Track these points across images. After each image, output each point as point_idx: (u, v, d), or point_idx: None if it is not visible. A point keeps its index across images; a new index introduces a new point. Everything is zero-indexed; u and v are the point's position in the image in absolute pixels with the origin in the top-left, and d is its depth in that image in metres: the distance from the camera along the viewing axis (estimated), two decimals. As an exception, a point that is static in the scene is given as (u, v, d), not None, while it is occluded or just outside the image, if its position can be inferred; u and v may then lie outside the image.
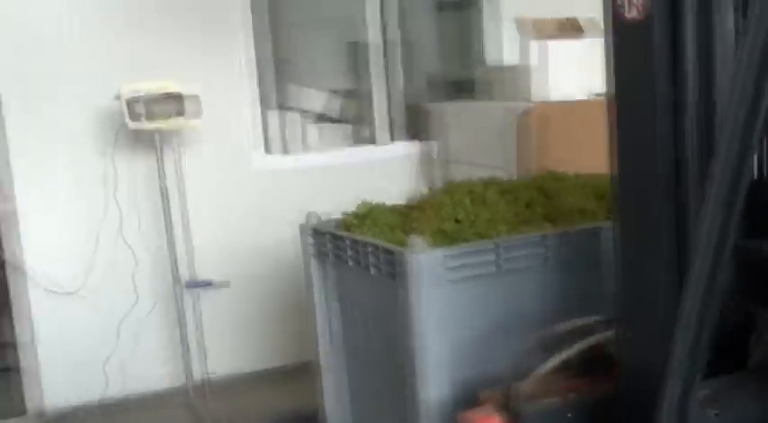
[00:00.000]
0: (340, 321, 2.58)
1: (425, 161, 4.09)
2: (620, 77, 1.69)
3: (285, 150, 4.18)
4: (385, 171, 3.84)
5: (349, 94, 4.39)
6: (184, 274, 3.60)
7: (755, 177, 1.63)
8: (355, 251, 2.36)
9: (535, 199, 2.51)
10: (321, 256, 2.53)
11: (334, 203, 2.63)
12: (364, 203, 2.57)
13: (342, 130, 4.27)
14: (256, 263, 3.51)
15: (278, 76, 4.21)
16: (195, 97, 3.58)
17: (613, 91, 1.68)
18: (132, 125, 3.46)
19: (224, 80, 3.88)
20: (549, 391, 1.94)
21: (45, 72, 3.53)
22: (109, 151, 3.68)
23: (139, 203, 3.70)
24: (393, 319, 2.19)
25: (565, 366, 1.97)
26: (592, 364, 1.97)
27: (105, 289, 3.72)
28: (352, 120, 4.28)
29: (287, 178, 3.71)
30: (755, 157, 1.63)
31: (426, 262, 2.16)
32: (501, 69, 3.72)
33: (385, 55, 4.07)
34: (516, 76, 3.44)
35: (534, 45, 3.40)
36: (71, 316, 3.71)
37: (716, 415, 1.53)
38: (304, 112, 4.25)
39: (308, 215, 2.62)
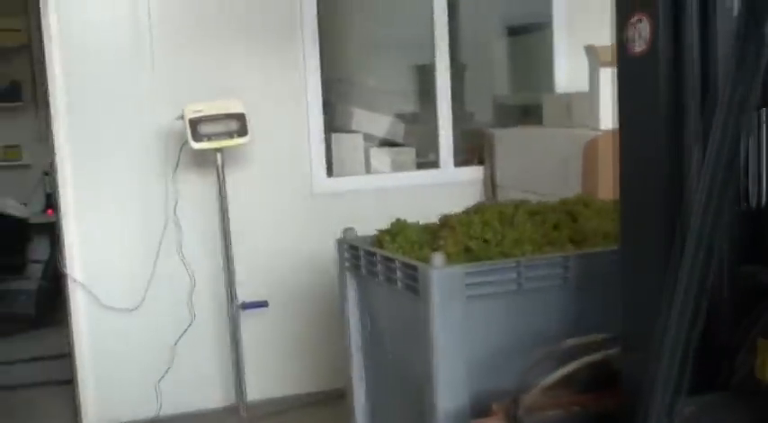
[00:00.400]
0: (370, 335, 2.77)
1: (489, 187, 4.29)
2: (626, 106, 1.94)
3: (347, 173, 4.39)
4: (448, 196, 3.98)
5: (413, 119, 4.57)
6: (240, 294, 3.92)
7: (754, 205, 1.85)
8: (385, 266, 2.55)
9: (562, 221, 2.66)
10: (355, 270, 2.70)
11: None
12: (398, 221, 2.77)
13: (405, 155, 4.44)
14: (315, 284, 3.83)
15: (343, 98, 4.42)
16: (258, 118, 3.83)
17: (619, 120, 1.91)
18: (195, 145, 3.72)
19: (288, 101, 4.13)
20: (555, 403, 2.16)
21: (109, 88, 3.91)
22: (170, 170, 3.92)
23: (198, 222, 3.95)
24: (415, 333, 2.40)
25: (574, 382, 2.17)
26: (599, 381, 2.17)
27: (162, 307, 4.00)
28: (416, 144, 4.47)
29: (348, 201, 3.90)
30: (755, 186, 1.85)
31: (446, 277, 2.34)
32: (569, 96, 3.87)
33: (452, 78, 4.26)
34: (584, 104, 3.59)
35: (604, 73, 3.57)
36: (128, 332, 4.01)
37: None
38: (367, 136, 4.45)
39: (346, 231, 2.81)
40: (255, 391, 3.95)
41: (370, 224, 2.83)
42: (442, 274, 2.34)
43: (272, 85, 4.03)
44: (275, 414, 3.94)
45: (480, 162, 4.36)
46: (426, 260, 2.35)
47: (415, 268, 2.39)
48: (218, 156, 3.67)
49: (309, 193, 4.15)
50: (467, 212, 2.72)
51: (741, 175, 1.77)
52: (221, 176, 3.77)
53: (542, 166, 3.63)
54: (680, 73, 1.76)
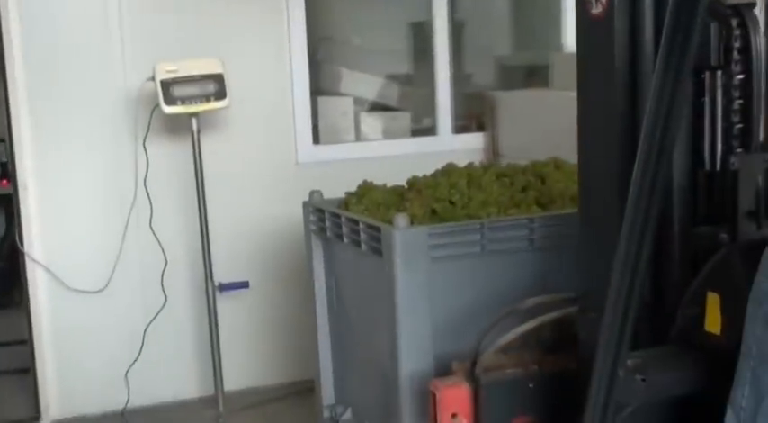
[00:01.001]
0: (336, 299, 3.02)
1: (490, 155, 4.42)
2: (583, 69, 2.13)
3: (335, 140, 4.46)
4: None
5: (408, 80, 4.67)
6: (217, 274, 3.98)
7: (709, 168, 2.08)
8: (349, 228, 2.78)
9: (531, 184, 2.87)
10: (321, 233, 2.98)
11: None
12: (365, 184, 2.97)
13: (399, 120, 4.58)
14: (300, 263, 3.79)
15: (330, 58, 4.53)
16: (237, 79, 3.91)
17: (577, 81, 2.11)
18: (167, 109, 3.80)
19: (270, 61, 4.24)
20: (514, 363, 2.41)
21: (72, 45, 3.93)
22: (140, 137, 4.00)
23: (171, 194, 4.08)
24: (380, 295, 2.62)
25: (536, 342, 2.43)
26: (561, 341, 2.39)
27: (131, 288, 4.13)
28: (411, 108, 4.59)
29: (336, 171, 3.89)
30: (709, 150, 2.09)
31: (409, 238, 2.57)
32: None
33: (451, 37, 4.36)
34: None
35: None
36: (93, 316, 4.12)
37: (642, 380, 1.92)
38: (357, 100, 4.53)
39: (312, 194, 3.04)
40: (234, 380, 4.10)
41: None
42: (404, 235, 2.57)
43: (253, 43, 4.14)
44: (256, 405, 4.10)
45: (480, 128, 4.49)
46: (391, 222, 2.58)
47: (378, 229, 2.62)
48: (194, 121, 3.72)
49: (294, 162, 4.28)
50: (435, 175, 2.93)
51: (695, 137, 2.02)
52: (197, 144, 3.74)
53: (549, 133, 3.71)
54: (636, 38, 1.91)
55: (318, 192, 3.04)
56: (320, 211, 2.99)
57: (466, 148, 4.30)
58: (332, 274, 3.02)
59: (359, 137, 4.31)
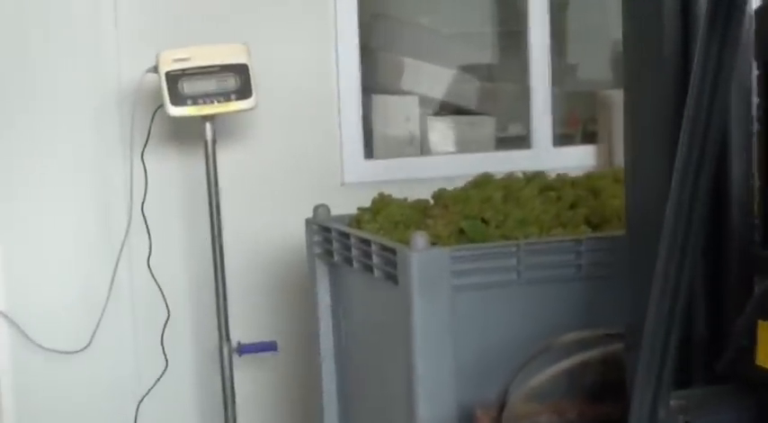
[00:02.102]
0: (345, 334, 3.27)
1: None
2: (631, 57, 2.14)
3: (394, 153, 4.37)
4: None
5: (492, 73, 4.61)
6: (236, 331, 3.91)
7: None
8: (360, 251, 3.06)
9: (581, 199, 3.06)
10: (327, 256, 3.27)
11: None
12: (381, 197, 3.20)
13: (480, 127, 4.39)
14: None
15: (389, 44, 4.43)
16: (266, 72, 3.83)
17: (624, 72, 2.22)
18: (174, 111, 3.68)
19: (309, 48, 4.21)
20: (548, 409, 2.54)
21: (44, 24, 3.86)
22: (136, 148, 3.94)
23: (175, 225, 4.11)
24: (394, 330, 2.78)
25: (575, 385, 2.56)
26: (605, 386, 2.50)
27: (121, 348, 4.06)
28: (496, 111, 4.46)
29: (396, 194, 3.58)
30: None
31: (428, 262, 2.68)
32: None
33: (550, 15, 4.18)
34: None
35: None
36: (71, 384, 3.99)
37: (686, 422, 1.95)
38: (424, 99, 4.39)
39: (316, 209, 3.31)
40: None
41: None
42: (423, 258, 2.71)
43: (288, 24, 4.12)
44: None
45: (590, 139, 4.41)
46: (408, 242, 2.85)
47: (393, 251, 2.88)
48: (208, 127, 3.75)
49: (339, 182, 4.20)
50: (466, 188, 3.19)
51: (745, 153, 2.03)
52: (212, 158, 3.75)
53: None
54: (688, 18, 1.95)
55: (324, 206, 3.30)
56: (326, 229, 3.27)
57: (570, 164, 4.12)
58: (339, 305, 3.31)
59: (425, 149, 4.27)
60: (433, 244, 2.79)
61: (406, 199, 3.19)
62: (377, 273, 2.96)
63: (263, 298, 4.15)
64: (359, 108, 4.14)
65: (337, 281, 3.31)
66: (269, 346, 3.97)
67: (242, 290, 4.05)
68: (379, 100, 4.26)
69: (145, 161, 3.89)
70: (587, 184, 3.14)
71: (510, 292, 2.78)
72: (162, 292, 3.96)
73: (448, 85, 4.35)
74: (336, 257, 3.21)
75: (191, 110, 3.61)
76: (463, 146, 4.30)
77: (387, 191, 3.80)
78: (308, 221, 3.33)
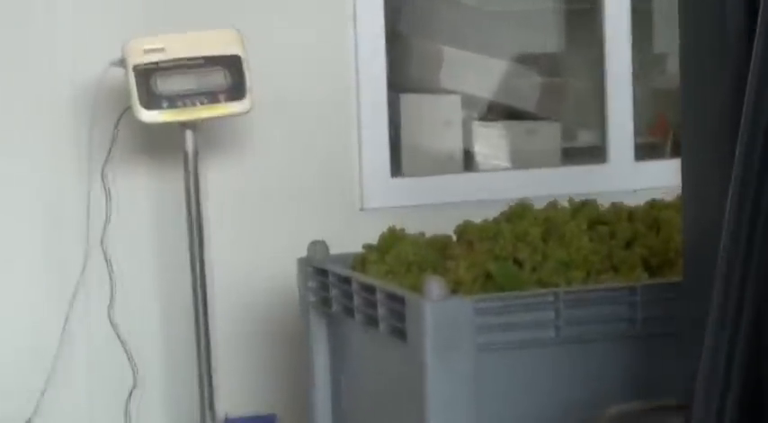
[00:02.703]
0: (344, 401, 3.21)
1: None
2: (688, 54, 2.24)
3: (429, 169, 4.09)
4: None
5: (555, 66, 4.35)
6: (223, 401, 3.70)
7: None
8: (363, 299, 3.01)
9: (639, 235, 2.94)
10: (324, 306, 3.22)
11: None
12: (391, 233, 3.13)
13: (541, 135, 4.15)
14: None
15: (421, 28, 4.17)
16: (265, 66, 3.69)
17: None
18: (146, 115, 3.49)
19: (321, 37, 3.99)
20: None
21: None
22: (96, 163, 3.73)
23: (145, 260, 3.91)
24: (403, 398, 2.83)
25: None
26: None
27: (75, 419, 3.83)
28: (562, 115, 4.22)
29: (432, 223, 3.44)
30: None
31: (445, 314, 2.67)
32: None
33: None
34: None
35: None
36: None
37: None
38: (468, 99, 4.10)
39: (313, 247, 3.22)
40: None
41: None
42: (440, 309, 2.66)
43: (293, 6, 3.90)
44: None
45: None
46: (421, 289, 2.85)
47: (401, 300, 2.82)
48: (189, 136, 3.56)
49: (358, 207, 3.98)
50: (498, 220, 3.08)
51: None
52: (192, 176, 3.58)
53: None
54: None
55: (322, 243, 3.18)
56: (322, 272, 3.17)
57: (656, 183, 3.75)
58: (340, 366, 3.21)
59: (470, 164, 4.03)
60: (454, 291, 2.71)
61: (423, 234, 3.13)
62: (382, 327, 2.88)
63: (257, 359, 3.98)
64: (384, 112, 3.97)
65: (337, 335, 3.25)
66: (266, 420, 3.81)
67: (230, 348, 3.90)
68: (410, 100, 4.04)
69: (106, 180, 3.75)
70: (648, 216, 3.03)
71: (547, 353, 2.71)
72: (126, 351, 3.81)
73: (499, 81, 4.14)
74: (335, 307, 3.12)
75: (166, 114, 3.46)
76: (519, 159, 4.09)
77: (419, 218, 3.68)
78: (301, 262, 3.23)
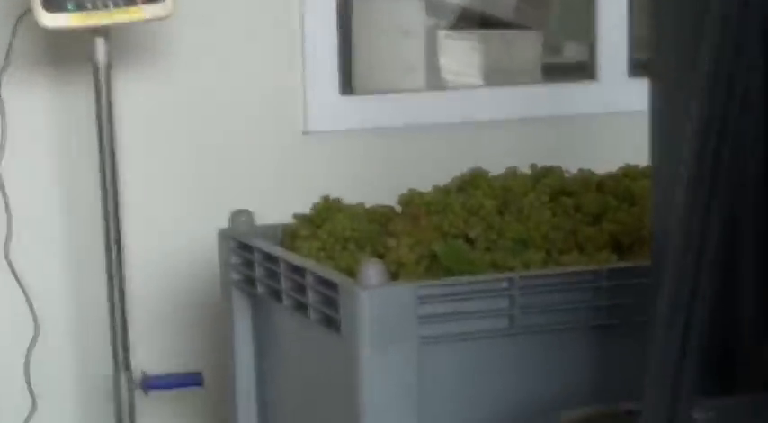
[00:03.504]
0: (270, 394, 3.03)
1: None
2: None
3: (386, 86, 3.70)
4: (616, 139, 3.23)
5: None
6: (140, 357, 3.35)
7: None
8: (292, 282, 2.85)
9: (609, 208, 2.75)
10: (248, 286, 3.01)
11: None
12: (326, 202, 2.91)
13: (519, 47, 3.65)
14: None
15: None
16: None
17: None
18: (48, 19, 3.06)
19: None
20: None
21: None
22: None
23: (47, 196, 3.45)
24: (337, 395, 2.62)
25: None
26: None
27: None
28: (544, 24, 3.87)
29: (387, 152, 3.32)
30: None
31: (384, 302, 2.43)
32: None
33: None
34: None
35: None
36: None
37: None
38: (433, 3, 3.71)
39: (234, 215, 2.97)
40: None
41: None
42: (376, 298, 2.42)
43: None
44: None
45: None
46: (356, 272, 2.76)
47: (334, 286, 2.68)
48: (99, 44, 3.19)
49: (300, 130, 3.50)
50: (448, 189, 2.89)
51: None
52: (105, 91, 3.19)
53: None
54: None
55: (246, 212, 2.93)
56: (246, 247, 2.98)
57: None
58: (264, 353, 3.06)
59: (434, 81, 3.67)
60: (394, 274, 2.65)
61: (362, 204, 2.97)
62: (313, 314, 2.80)
63: (179, 312, 3.71)
64: (333, 18, 3.54)
65: (263, 317, 3.11)
66: (190, 380, 3.49)
67: (149, 297, 3.66)
68: (363, 6, 3.71)
69: (1, 96, 3.50)
70: (619, 185, 2.89)
71: (499, 345, 2.59)
72: (27, 297, 3.53)
73: None
74: (260, 288, 3.00)
75: (74, 18, 3.02)
76: (493, 76, 3.75)
77: (370, 144, 3.40)
78: (222, 235, 3.09)
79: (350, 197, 3.22)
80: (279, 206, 3.34)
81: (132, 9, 3.18)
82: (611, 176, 3.02)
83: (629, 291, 2.59)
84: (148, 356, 3.70)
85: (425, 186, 3.09)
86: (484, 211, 2.84)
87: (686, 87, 1.85)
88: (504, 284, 2.59)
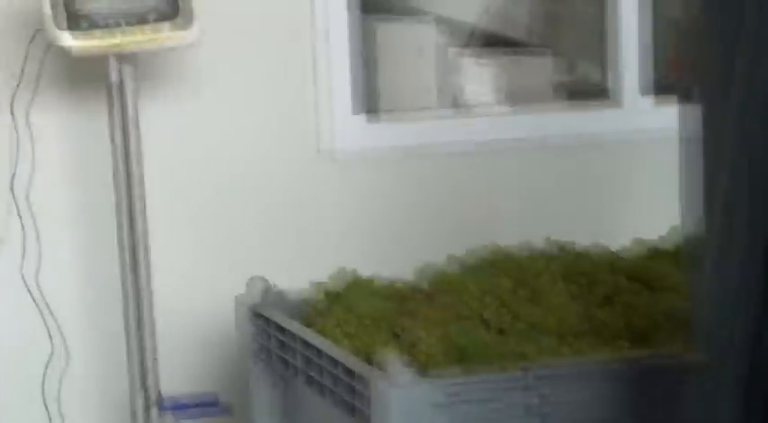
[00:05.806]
0: None
1: None
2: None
3: (404, 109, 3.65)
4: (636, 163, 3.32)
5: None
6: (161, 381, 3.35)
7: None
8: (306, 360, 2.83)
9: (623, 290, 2.70)
10: (266, 353, 2.99)
11: (512, 236, 2.87)
12: (340, 273, 2.86)
13: (536, 70, 3.72)
14: None
15: None
16: None
17: None
18: (66, 39, 3.09)
19: None
20: None
21: None
22: (3, 103, 3.39)
23: (68, 219, 3.46)
24: None
25: None
26: None
27: None
28: (558, 45, 3.83)
29: (404, 174, 3.32)
30: None
31: (406, 400, 2.40)
32: None
33: None
34: None
35: None
36: None
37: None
38: (446, 22, 3.70)
39: (251, 283, 2.92)
40: None
41: (453, 229, 3.02)
42: (399, 395, 2.36)
43: None
44: None
45: None
46: (377, 361, 2.57)
47: (351, 375, 2.53)
48: (114, 66, 3.17)
49: (314, 149, 3.53)
50: (466, 264, 2.78)
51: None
52: (123, 116, 3.21)
53: None
54: None
55: (262, 280, 2.87)
56: (262, 318, 2.94)
57: (674, 125, 3.20)
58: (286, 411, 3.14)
59: (448, 100, 3.60)
60: (424, 366, 2.53)
61: (378, 277, 2.82)
62: (329, 398, 2.70)
63: (202, 332, 3.66)
64: (346, 38, 3.48)
65: (281, 384, 2.97)
66: (207, 403, 3.44)
67: (172, 318, 3.57)
68: (380, 27, 3.63)
69: (16, 117, 3.50)
70: (638, 266, 2.78)
71: None
72: (46, 321, 3.52)
73: (483, 4, 3.97)
74: (275, 360, 2.93)
75: (92, 41, 3.04)
76: (504, 95, 3.71)
77: (390, 168, 3.35)
78: (238, 301, 3.03)
79: (379, 220, 3.19)
80: (299, 227, 3.33)
81: (153, 30, 2.99)
82: (625, 252, 2.87)
83: (635, 382, 2.39)
84: (171, 380, 3.63)
85: (441, 206, 3.05)
86: (500, 289, 2.76)
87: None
88: (519, 377, 2.45)
